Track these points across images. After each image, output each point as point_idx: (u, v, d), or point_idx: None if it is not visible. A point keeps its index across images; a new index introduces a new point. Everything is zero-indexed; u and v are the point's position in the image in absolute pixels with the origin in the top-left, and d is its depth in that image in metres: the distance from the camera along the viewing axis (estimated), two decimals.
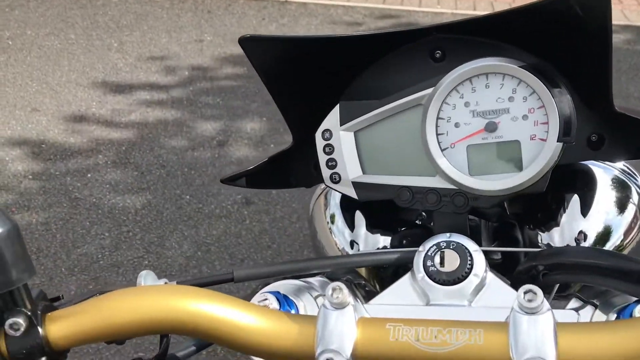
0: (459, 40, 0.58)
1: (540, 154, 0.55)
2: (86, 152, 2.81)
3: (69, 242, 2.31)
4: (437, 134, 0.58)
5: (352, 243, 0.75)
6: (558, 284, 0.54)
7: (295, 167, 0.68)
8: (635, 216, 0.70)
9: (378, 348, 0.41)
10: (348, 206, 0.78)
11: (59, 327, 0.43)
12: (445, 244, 0.51)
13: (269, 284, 0.55)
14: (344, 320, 0.42)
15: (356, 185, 0.61)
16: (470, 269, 0.50)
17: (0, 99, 3.17)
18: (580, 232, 0.67)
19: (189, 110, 3.15)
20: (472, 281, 0.49)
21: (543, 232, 0.68)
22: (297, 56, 0.58)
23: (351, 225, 0.76)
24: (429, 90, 0.58)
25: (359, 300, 0.53)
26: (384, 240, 0.73)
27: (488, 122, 0.57)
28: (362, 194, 0.61)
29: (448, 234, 0.53)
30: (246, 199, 2.53)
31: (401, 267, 0.63)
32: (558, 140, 0.54)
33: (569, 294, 0.51)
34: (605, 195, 0.70)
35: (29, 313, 0.41)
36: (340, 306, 0.43)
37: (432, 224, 0.63)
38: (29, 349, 0.41)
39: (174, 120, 3.06)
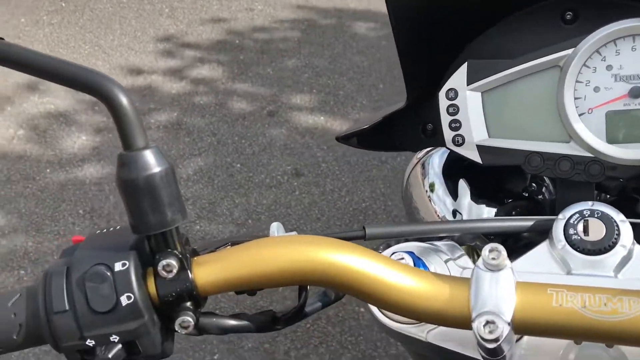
0: (591, 1, 0.55)
1: None
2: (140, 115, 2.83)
3: (121, 204, 2.33)
4: (575, 98, 0.55)
5: (455, 212, 0.72)
6: None
7: (404, 130, 0.66)
8: None
9: (540, 314, 0.39)
10: (449, 175, 0.75)
11: (205, 272, 0.41)
12: (589, 212, 0.49)
13: (390, 245, 0.54)
14: (501, 283, 0.40)
15: (481, 148, 0.59)
16: (617, 239, 0.47)
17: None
18: None
19: (239, 79, 3.14)
20: (618, 252, 0.47)
21: None
22: (430, 3, 0.56)
23: (453, 194, 0.74)
24: (569, 52, 0.55)
25: (513, 270, 0.51)
26: (489, 212, 0.71)
27: (632, 88, 0.53)
28: (487, 158, 0.59)
29: (590, 203, 0.50)
30: (296, 170, 2.52)
31: (515, 239, 0.60)
32: None
33: None
34: None
35: (180, 256, 0.40)
36: (497, 268, 0.40)
37: (545, 193, 0.60)
38: (178, 292, 0.40)
39: (224, 89, 3.05)
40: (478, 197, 0.73)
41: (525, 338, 0.46)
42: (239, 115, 2.85)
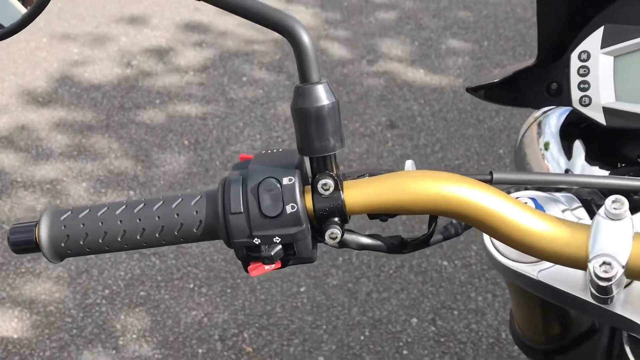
0: None
1: None
2: (242, 56, 2.93)
3: (223, 139, 2.46)
4: None
5: (567, 171, 0.75)
6: None
7: (530, 87, 0.68)
8: None
9: None
10: (565, 135, 0.78)
11: (353, 194, 0.48)
12: None
13: (510, 192, 0.58)
14: (620, 231, 0.44)
15: (607, 110, 0.61)
16: None
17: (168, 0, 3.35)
18: None
19: (342, 26, 3.16)
20: None
21: None
22: None
23: (567, 154, 0.76)
24: None
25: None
26: (602, 173, 0.73)
27: None
28: (611, 120, 0.61)
29: None
30: (391, 121, 2.56)
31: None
32: None
33: None
34: None
35: (336, 178, 0.47)
36: (618, 217, 0.44)
37: None
38: (331, 208, 0.47)
39: (326, 34, 3.09)
40: (592, 159, 0.75)
41: (634, 283, 0.50)
42: (339, 63, 2.89)
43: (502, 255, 0.54)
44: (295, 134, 0.47)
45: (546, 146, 0.79)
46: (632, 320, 0.49)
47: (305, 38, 0.46)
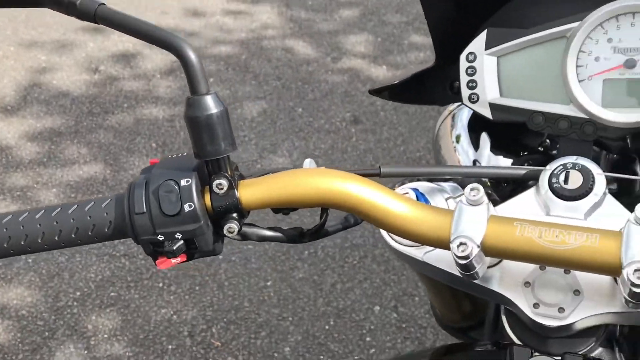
0: None
1: None
2: (209, 57, 2.97)
3: (188, 141, 2.51)
4: (577, 66, 0.62)
5: (475, 162, 0.82)
6: None
7: (434, 86, 0.74)
8: None
9: (505, 240, 0.49)
10: (474, 128, 0.84)
11: (248, 191, 0.54)
12: (571, 165, 0.57)
13: (404, 183, 0.64)
14: (477, 215, 0.50)
15: (492, 106, 0.67)
16: (591, 188, 0.56)
17: (132, 1, 3.37)
18: None
19: (306, 24, 3.22)
20: (590, 199, 0.55)
21: None
22: None
23: (476, 145, 0.83)
24: (575, 24, 0.62)
25: (492, 206, 0.60)
26: (506, 162, 0.80)
27: (628, 59, 0.60)
28: (497, 115, 0.67)
29: (574, 157, 0.59)
30: (355, 117, 2.62)
31: (521, 185, 0.69)
32: None
33: None
34: None
35: (229, 178, 0.52)
36: (476, 203, 0.51)
37: (557, 148, 0.68)
38: (226, 205, 0.53)
39: (291, 33, 3.15)
40: (498, 149, 0.81)
41: (503, 262, 0.56)
42: (304, 61, 2.94)
43: (394, 241, 0.61)
44: (191, 140, 0.53)
45: (457, 139, 0.85)
46: (504, 294, 0.55)
47: (192, 55, 0.51)
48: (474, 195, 0.50)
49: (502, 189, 0.75)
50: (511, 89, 0.67)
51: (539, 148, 0.79)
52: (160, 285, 1.96)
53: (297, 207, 0.56)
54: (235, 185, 0.53)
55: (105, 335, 1.82)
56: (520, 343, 0.57)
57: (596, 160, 0.71)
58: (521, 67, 0.66)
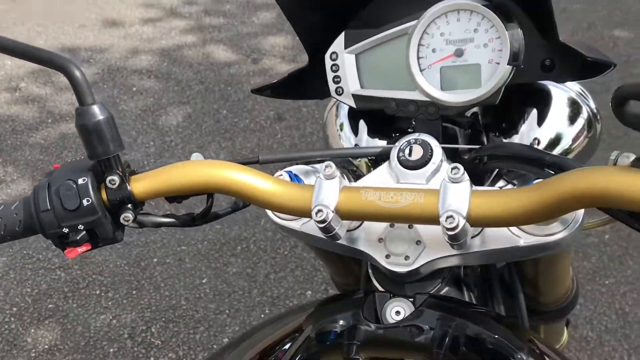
0: None
1: (495, 74, 0.71)
2: (130, 68, 3.00)
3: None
4: (418, 57, 0.74)
5: (356, 146, 0.93)
6: (496, 170, 0.71)
7: (311, 82, 0.85)
8: (582, 128, 0.86)
9: (353, 205, 0.60)
10: (354, 116, 0.95)
11: (140, 185, 0.63)
12: (414, 140, 0.69)
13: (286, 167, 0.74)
14: (331, 187, 0.61)
15: (355, 97, 0.79)
16: (430, 158, 0.67)
17: (51, 15, 3.36)
18: (535, 138, 0.83)
19: (225, 28, 3.29)
20: (430, 167, 0.67)
21: (505, 138, 0.85)
22: None
23: (356, 132, 0.94)
24: (413, 23, 0.74)
25: (345, 177, 0.71)
26: (382, 144, 0.91)
27: (457, 49, 0.73)
28: (360, 104, 0.79)
29: (417, 134, 0.70)
30: (278, 115, 2.72)
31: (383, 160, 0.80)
32: (508, 64, 0.70)
33: (500, 177, 0.69)
34: (559, 110, 0.85)
35: (120, 174, 0.61)
36: (330, 177, 0.61)
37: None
38: (120, 198, 0.61)
39: (211, 38, 3.21)
40: (375, 133, 0.93)
41: (363, 225, 0.67)
42: (225, 64, 3.02)
43: (277, 216, 0.71)
44: (84, 145, 0.62)
45: (341, 127, 0.96)
46: (364, 251, 0.66)
47: (76, 71, 0.59)
48: (328, 171, 0.61)
49: (373, 165, 0.87)
50: (369, 81, 0.79)
51: (409, 130, 0.91)
52: (98, 292, 2.01)
53: (186, 195, 0.65)
54: (126, 180, 0.62)
55: (46, 346, 1.85)
56: (382, 289, 0.68)
57: (454, 136, 0.84)
58: (376, 62, 0.78)
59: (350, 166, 0.78)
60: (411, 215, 0.59)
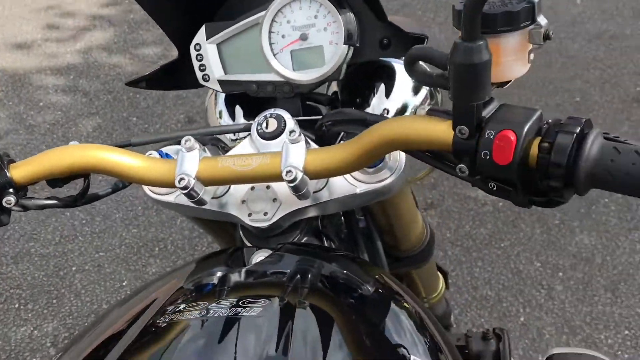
0: None
1: (335, 53, 0.82)
2: (36, 84, 2.99)
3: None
4: (270, 44, 0.84)
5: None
6: (341, 133, 0.83)
7: (183, 73, 0.94)
8: (425, 97, 0.99)
9: (211, 171, 0.69)
10: (231, 103, 1.04)
11: (19, 170, 0.70)
12: (269, 115, 0.79)
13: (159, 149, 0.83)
14: (192, 158, 0.70)
15: (220, 82, 0.88)
16: (284, 129, 0.78)
17: None
18: (385, 109, 0.95)
19: (130, 37, 3.32)
20: (284, 137, 0.77)
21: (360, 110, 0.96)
22: None
23: (233, 117, 1.03)
24: (263, 13, 0.84)
25: (207, 150, 0.81)
26: None
27: (302, 34, 0.83)
28: (225, 88, 0.88)
29: (273, 109, 0.81)
30: (188, 117, 2.78)
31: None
32: (344, 43, 0.81)
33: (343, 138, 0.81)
34: (404, 83, 0.98)
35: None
36: (190, 149, 0.70)
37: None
38: (1, 183, 0.69)
39: (117, 48, 3.23)
40: (248, 116, 1.02)
41: (230, 190, 0.76)
42: (132, 73, 3.05)
43: (153, 192, 0.79)
44: None
45: (220, 114, 1.05)
46: (231, 213, 0.76)
47: None
48: (188, 145, 0.70)
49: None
50: (232, 67, 0.88)
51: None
52: (17, 305, 2.01)
53: (65, 178, 0.73)
54: (5, 167, 0.69)
55: None
56: (249, 245, 0.78)
57: (318, 112, 0.94)
58: (236, 50, 0.88)
59: (220, 143, 0.88)
60: (260, 175, 0.69)
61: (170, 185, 0.71)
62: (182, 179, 0.69)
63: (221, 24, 0.87)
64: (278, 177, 0.68)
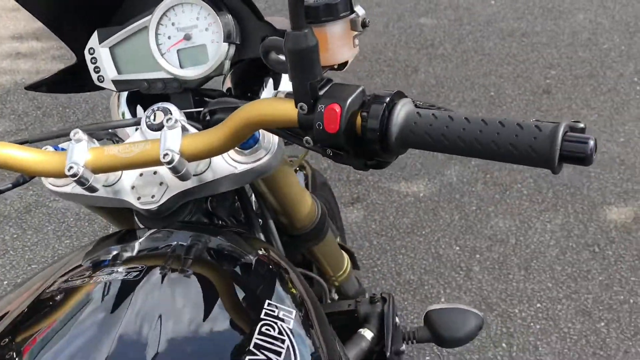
0: None
1: (217, 51, 0.90)
2: None
3: None
4: (158, 44, 0.92)
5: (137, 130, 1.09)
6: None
7: (82, 76, 1.00)
8: None
9: (98, 159, 0.76)
10: (132, 103, 1.11)
11: None
12: (157, 108, 0.87)
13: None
14: (81, 148, 0.77)
15: (114, 82, 0.95)
16: (169, 120, 0.86)
17: None
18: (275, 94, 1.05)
19: (59, 53, 3.32)
20: (180, 128, 0.85)
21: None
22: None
23: (135, 116, 1.10)
24: (150, 17, 0.92)
25: (95, 142, 0.88)
26: None
27: (186, 34, 0.91)
28: (119, 87, 0.96)
29: (161, 103, 0.88)
30: None
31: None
32: (224, 41, 0.90)
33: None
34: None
35: None
36: (78, 141, 0.77)
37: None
38: None
39: (45, 61, 3.23)
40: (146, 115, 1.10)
41: (122, 178, 0.83)
42: None
43: (52, 185, 0.86)
44: None
45: (123, 115, 1.12)
46: (124, 199, 0.83)
47: None
48: (77, 137, 0.77)
49: None
50: (125, 68, 0.96)
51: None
52: None
53: None
54: None
55: None
56: (142, 227, 0.85)
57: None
58: (127, 52, 0.95)
59: (115, 138, 0.95)
60: (143, 160, 0.77)
61: (62, 175, 0.78)
62: (71, 167, 0.76)
63: (112, 28, 0.95)
64: (158, 161, 0.76)
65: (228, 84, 1.10)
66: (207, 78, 0.94)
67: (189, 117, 0.91)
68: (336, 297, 1.35)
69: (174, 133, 0.75)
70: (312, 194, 1.41)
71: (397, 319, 1.08)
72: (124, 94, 1.16)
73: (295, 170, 1.34)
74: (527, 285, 2.07)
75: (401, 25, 3.43)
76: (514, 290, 2.06)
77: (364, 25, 0.65)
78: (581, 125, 0.58)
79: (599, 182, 2.38)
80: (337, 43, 0.65)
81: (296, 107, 0.65)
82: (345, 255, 1.28)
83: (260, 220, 1.03)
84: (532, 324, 1.96)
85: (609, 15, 3.37)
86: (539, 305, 2.01)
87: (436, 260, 2.18)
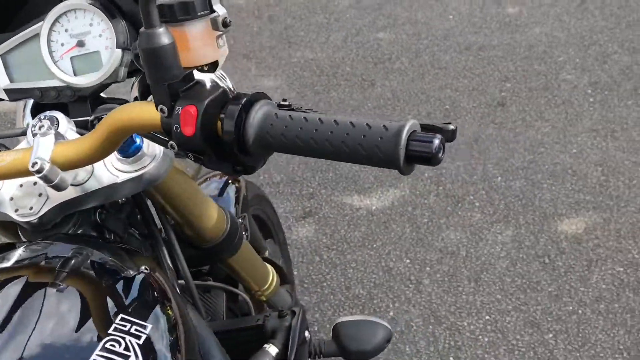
0: None
1: (111, 57, 0.88)
2: None
3: None
4: (51, 52, 0.89)
5: None
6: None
7: None
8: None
9: None
10: (38, 112, 1.08)
11: None
12: (44, 117, 0.84)
13: None
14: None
15: (6, 91, 0.92)
16: (57, 128, 0.82)
17: None
18: None
19: None
20: (53, 135, 0.81)
21: None
22: None
23: None
24: (40, 24, 0.89)
25: None
26: None
27: (79, 40, 0.88)
28: (12, 96, 0.92)
29: (50, 111, 0.85)
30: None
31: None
32: (117, 47, 0.87)
33: None
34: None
35: None
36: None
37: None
38: None
39: None
40: None
41: (1, 190, 0.80)
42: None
43: None
44: None
45: (27, 125, 1.09)
46: (1, 211, 0.79)
47: None
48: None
49: None
50: (17, 76, 0.92)
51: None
52: None
53: None
54: None
55: None
56: (24, 240, 0.82)
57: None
58: (19, 60, 0.92)
59: (2, 149, 0.91)
60: (14, 170, 0.73)
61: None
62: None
63: (3, 35, 0.91)
64: (26, 174, 0.72)
65: (135, 92, 1.07)
66: (103, 85, 0.91)
67: (84, 126, 0.88)
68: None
69: (46, 141, 0.72)
70: (243, 207, 1.38)
71: (307, 333, 1.05)
72: (29, 104, 1.12)
73: (205, 180, 1.31)
74: (477, 297, 2.06)
75: (359, 40, 3.44)
76: (463, 303, 2.04)
77: (225, 24, 0.62)
78: (452, 127, 0.56)
79: (551, 193, 2.38)
80: (198, 43, 0.63)
81: (157, 109, 0.62)
82: (271, 268, 1.25)
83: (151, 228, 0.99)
84: (480, 336, 1.94)
85: (564, 29, 3.41)
86: (487, 317, 1.99)
87: (386, 273, 2.15)
